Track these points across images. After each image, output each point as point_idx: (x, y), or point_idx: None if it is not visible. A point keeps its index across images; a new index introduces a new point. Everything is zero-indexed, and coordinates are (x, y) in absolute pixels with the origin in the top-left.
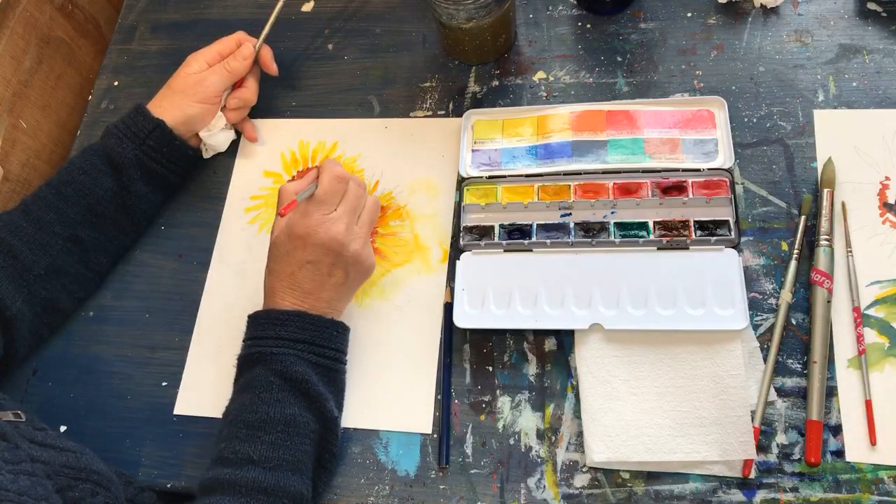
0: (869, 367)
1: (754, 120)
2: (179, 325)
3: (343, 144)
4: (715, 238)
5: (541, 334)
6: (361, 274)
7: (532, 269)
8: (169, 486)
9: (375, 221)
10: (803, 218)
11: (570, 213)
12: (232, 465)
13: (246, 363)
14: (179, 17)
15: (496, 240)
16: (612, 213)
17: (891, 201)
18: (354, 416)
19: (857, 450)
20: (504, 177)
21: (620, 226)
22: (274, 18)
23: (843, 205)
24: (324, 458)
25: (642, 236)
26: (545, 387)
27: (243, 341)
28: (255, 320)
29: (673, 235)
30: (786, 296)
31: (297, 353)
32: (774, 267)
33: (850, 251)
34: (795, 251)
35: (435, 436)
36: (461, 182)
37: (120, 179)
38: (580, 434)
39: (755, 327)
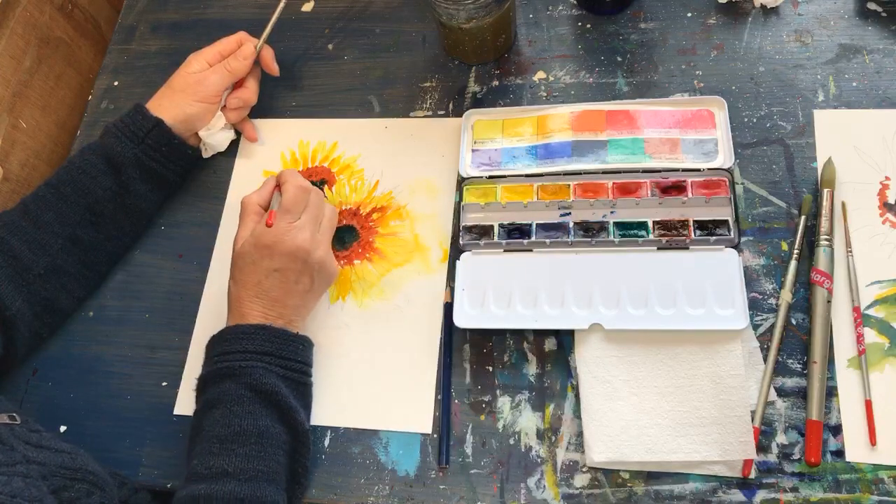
0: (869, 367)
1: (754, 120)
2: (179, 325)
3: (343, 144)
4: (714, 238)
5: (541, 334)
6: (326, 280)
7: (532, 269)
8: (169, 486)
9: (334, 229)
10: (803, 218)
11: (570, 213)
12: (207, 479)
13: (213, 379)
14: (179, 17)
15: (496, 239)
16: (612, 212)
17: (891, 201)
18: (354, 416)
19: (857, 450)
20: (504, 177)
21: (620, 225)
22: (275, 19)
23: (843, 205)
24: (297, 472)
25: (642, 236)
26: (545, 387)
27: (207, 360)
28: (219, 337)
29: (672, 235)
30: (786, 296)
31: (265, 365)
32: (774, 267)
33: (850, 251)
34: (795, 251)
35: (435, 436)
36: (461, 182)
37: (119, 179)
38: (580, 434)
39: (755, 327)
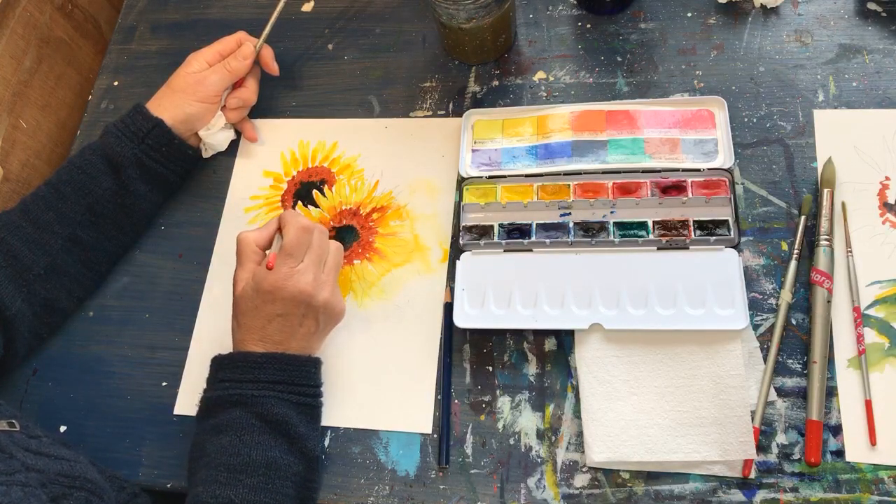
0: (869, 367)
1: (754, 120)
2: (179, 325)
3: (343, 144)
4: (714, 238)
5: (541, 334)
6: (332, 320)
7: (532, 269)
8: (169, 486)
9: (341, 265)
10: (803, 218)
11: (570, 213)
12: None
13: (221, 404)
14: (179, 17)
15: (496, 239)
16: (612, 212)
17: (891, 201)
18: (354, 416)
19: (857, 450)
20: (504, 177)
21: (620, 225)
22: (275, 18)
23: (843, 205)
24: (307, 498)
25: (642, 236)
26: (545, 387)
27: (213, 382)
28: (229, 362)
29: (672, 235)
30: (786, 296)
31: (277, 394)
32: (774, 267)
33: (850, 251)
34: (795, 251)
35: (435, 436)
36: (461, 182)
37: (119, 179)
38: (580, 434)
39: (755, 327)
